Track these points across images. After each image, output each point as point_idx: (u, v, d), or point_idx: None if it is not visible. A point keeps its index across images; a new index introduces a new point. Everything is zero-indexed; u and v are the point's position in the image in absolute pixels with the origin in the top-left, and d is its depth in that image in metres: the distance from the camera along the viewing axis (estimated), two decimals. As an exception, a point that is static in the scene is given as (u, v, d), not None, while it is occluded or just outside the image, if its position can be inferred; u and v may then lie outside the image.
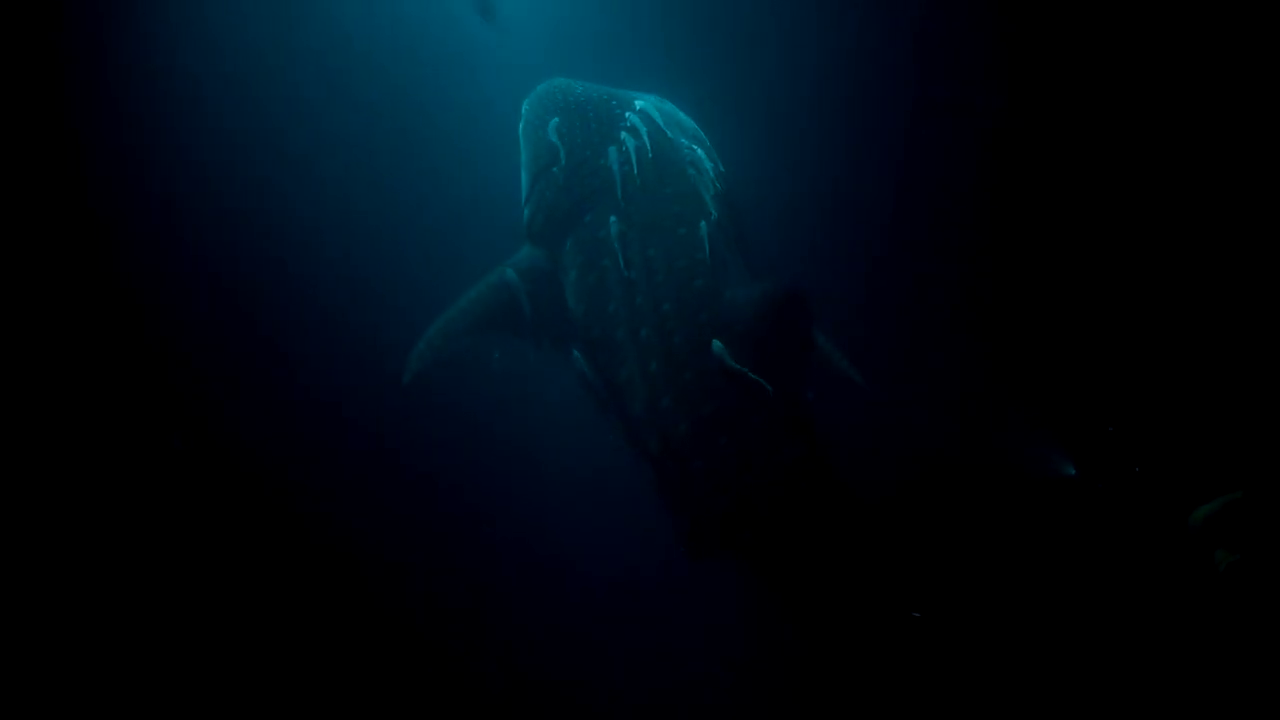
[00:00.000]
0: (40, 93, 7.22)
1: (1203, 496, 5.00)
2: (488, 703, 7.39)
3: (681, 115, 5.70)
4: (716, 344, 4.62)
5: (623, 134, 5.31)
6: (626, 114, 5.43)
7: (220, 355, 7.92)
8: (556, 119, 5.42)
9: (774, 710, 6.92)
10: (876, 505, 5.07)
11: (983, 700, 5.67)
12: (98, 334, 7.52)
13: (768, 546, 4.60)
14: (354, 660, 7.40)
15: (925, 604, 4.66)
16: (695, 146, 5.38)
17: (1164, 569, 5.66)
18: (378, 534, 7.85)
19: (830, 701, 4.93)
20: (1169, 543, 5.49)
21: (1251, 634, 4.75)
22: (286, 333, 7.88)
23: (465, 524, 7.92)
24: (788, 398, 4.64)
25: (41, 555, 6.90)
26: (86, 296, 7.53)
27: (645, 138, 5.27)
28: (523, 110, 5.75)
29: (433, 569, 7.84)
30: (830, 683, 4.85)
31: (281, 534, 7.68)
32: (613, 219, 5.06)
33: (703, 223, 5.01)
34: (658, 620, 7.46)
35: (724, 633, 7.19)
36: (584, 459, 7.06)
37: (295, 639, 7.35)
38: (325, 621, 7.50)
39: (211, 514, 7.56)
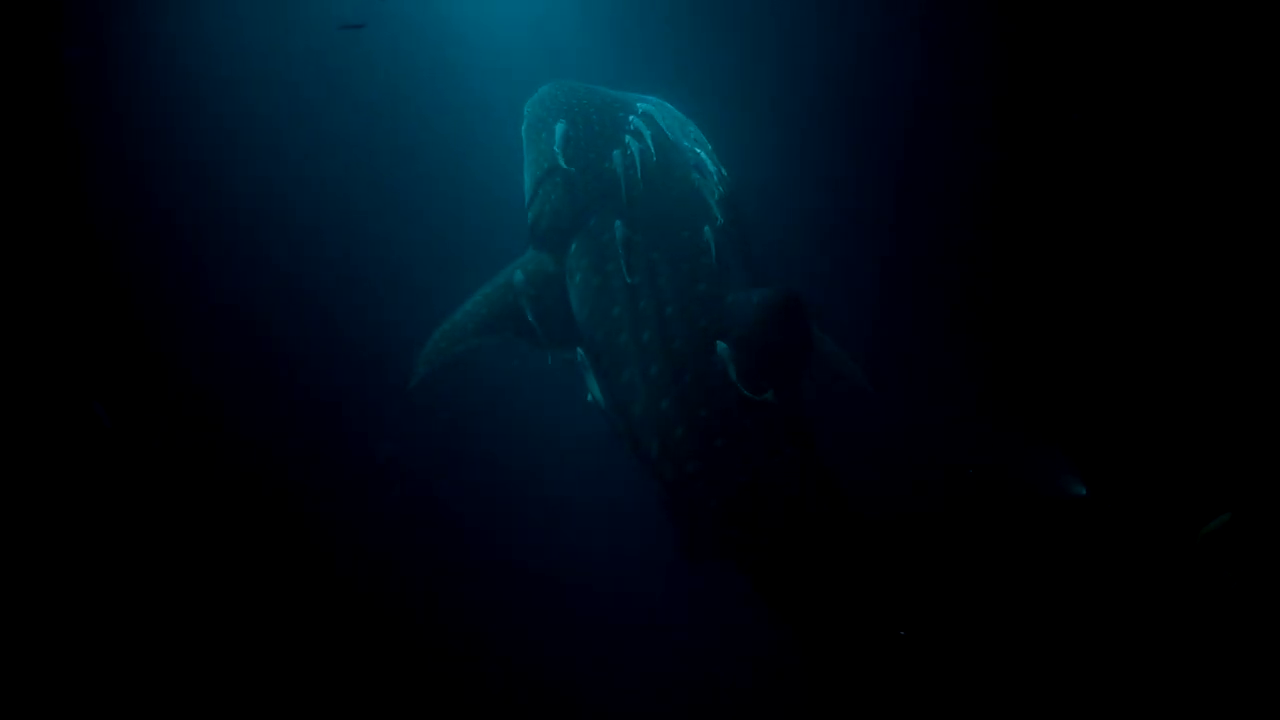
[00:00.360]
0: (40, 92, 7.19)
1: (1208, 510, 4.99)
2: (488, 703, 7.40)
3: (683, 118, 5.68)
4: (721, 346, 4.64)
5: (626, 137, 5.29)
6: (630, 117, 5.42)
7: (221, 358, 7.90)
8: (560, 121, 5.38)
9: (774, 712, 6.96)
10: (873, 512, 5.01)
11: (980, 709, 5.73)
12: (96, 334, 7.49)
13: (758, 548, 4.61)
14: (356, 660, 7.41)
15: (914, 619, 4.65)
16: (698, 149, 5.37)
17: (1169, 580, 5.67)
18: (380, 535, 7.86)
19: (827, 708, 4.87)
20: (1175, 555, 5.54)
21: (1253, 641, 4.73)
22: (288, 336, 7.89)
23: (467, 526, 7.94)
24: (786, 402, 4.66)
25: (38, 552, 6.95)
26: (87, 296, 7.49)
27: (649, 140, 5.26)
28: (525, 112, 5.71)
29: (434, 570, 7.85)
30: (826, 690, 4.78)
31: (285, 536, 7.69)
32: (617, 223, 5.05)
33: (706, 227, 5.01)
34: (659, 623, 7.48)
35: (724, 635, 7.20)
36: (587, 463, 7.04)
37: (300, 640, 7.36)
38: (329, 622, 7.51)
39: (215, 515, 7.59)
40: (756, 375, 4.56)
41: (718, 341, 4.65)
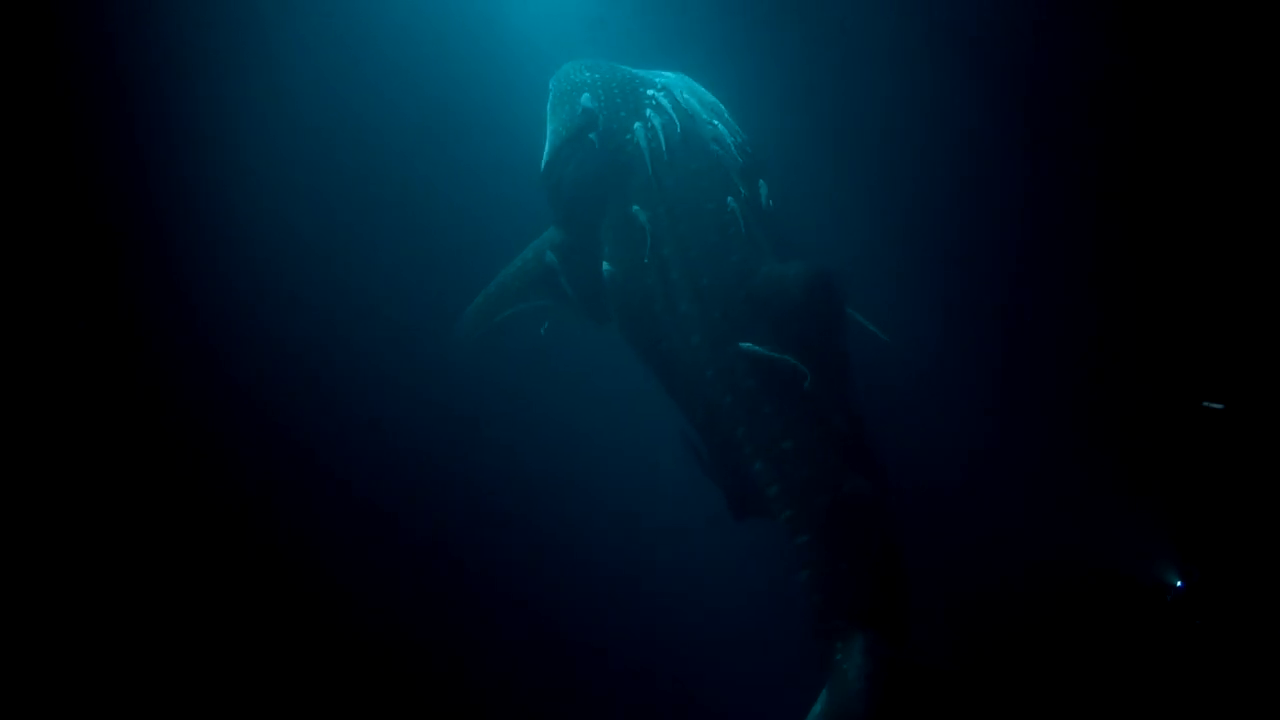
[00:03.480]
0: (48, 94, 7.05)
1: None
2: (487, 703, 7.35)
3: (701, 90, 5.82)
4: (745, 345, 4.82)
5: (648, 110, 5.46)
6: (649, 91, 5.58)
7: (239, 367, 7.53)
8: (585, 95, 5.58)
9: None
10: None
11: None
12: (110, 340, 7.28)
13: (797, 509, 4.68)
14: (357, 662, 7.31)
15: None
16: (716, 121, 5.51)
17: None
18: (382, 537, 7.64)
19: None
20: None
21: None
22: (304, 348, 7.52)
23: (470, 528, 7.65)
24: (831, 376, 4.81)
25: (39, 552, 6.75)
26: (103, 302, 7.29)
27: (671, 113, 5.41)
28: (549, 86, 5.88)
29: (437, 571, 7.62)
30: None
31: (290, 538, 7.47)
32: (641, 195, 5.24)
33: (730, 198, 5.17)
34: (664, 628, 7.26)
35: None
36: (597, 469, 7.11)
37: (304, 641, 7.21)
38: (334, 625, 7.36)
39: (224, 522, 7.38)
40: (798, 347, 4.77)
41: (740, 344, 4.84)
